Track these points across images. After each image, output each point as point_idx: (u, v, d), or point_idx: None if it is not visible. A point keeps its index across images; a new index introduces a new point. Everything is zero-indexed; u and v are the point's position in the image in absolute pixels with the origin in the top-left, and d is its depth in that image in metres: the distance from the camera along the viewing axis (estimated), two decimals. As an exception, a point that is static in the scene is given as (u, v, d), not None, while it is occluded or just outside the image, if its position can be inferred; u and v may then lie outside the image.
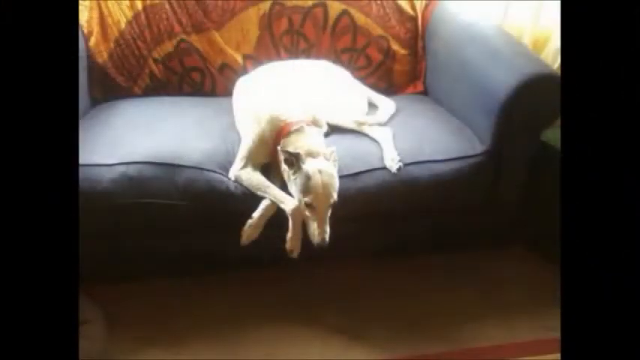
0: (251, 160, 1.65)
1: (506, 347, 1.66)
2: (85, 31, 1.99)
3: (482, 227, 1.92)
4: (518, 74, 1.67)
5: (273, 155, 1.66)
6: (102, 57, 2.02)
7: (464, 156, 1.73)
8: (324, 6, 2.12)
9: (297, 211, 1.56)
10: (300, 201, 1.54)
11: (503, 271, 1.96)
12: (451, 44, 2.02)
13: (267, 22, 2.12)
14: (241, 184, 1.63)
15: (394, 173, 1.66)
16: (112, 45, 2.03)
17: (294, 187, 1.57)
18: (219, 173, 1.64)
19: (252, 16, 2.10)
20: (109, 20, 2.01)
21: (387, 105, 1.96)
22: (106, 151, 1.64)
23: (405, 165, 1.68)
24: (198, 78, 2.12)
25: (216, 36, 2.09)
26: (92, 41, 2.00)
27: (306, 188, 1.51)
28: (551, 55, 2.29)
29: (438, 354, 1.62)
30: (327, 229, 1.51)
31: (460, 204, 1.82)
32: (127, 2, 2.03)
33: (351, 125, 1.83)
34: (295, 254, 1.60)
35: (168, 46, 2.07)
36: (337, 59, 2.16)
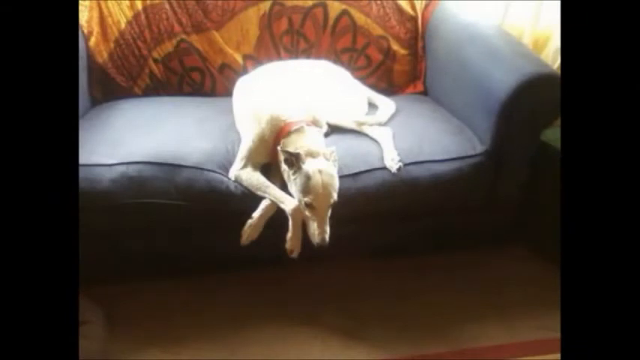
0: (251, 160, 1.66)
1: (506, 347, 1.65)
2: (85, 31, 1.99)
3: (482, 227, 1.92)
4: (518, 74, 1.67)
5: (273, 155, 1.66)
6: (102, 57, 2.02)
7: (464, 156, 1.73)
8: (324, 6, 2.13)
9: (297, 211, 1.56)
10: (300, 201, 1.54)
11: (503, 271, 1.96)
12: (451, 44, 2.02)
13: (267, 22, 2.12)
14: (241, 184, 1.63)
15: (394, 173, 1.67)
16: (112, 45, 2.03)
17: (294, 187, 1.57)
18: (219, 173, 1.64)
19: (252, 16, 2.10)
20: (109, 20, 2.02)
21: (387, 105, 1.96)
22: (106, 151, 1.64)
23: (405, 165, 1.68)
24: (198, 78, 2.12)
25: (216, 36, 2.09)
26: (92, 41, 2.00)
27: (306, 188, 1.51)
28: (551, 55, 2.29)
29: (438, 354, 1.62)
30: (327, 229, 1.51)
31: (460, 204, 1.82)
32: (127, 2, 2.03)
33: (351, 125, 1.83)
34: (295, 254, 1.60)
35: (168, 46, 2.07)
36: (337, 59, 2.16)
